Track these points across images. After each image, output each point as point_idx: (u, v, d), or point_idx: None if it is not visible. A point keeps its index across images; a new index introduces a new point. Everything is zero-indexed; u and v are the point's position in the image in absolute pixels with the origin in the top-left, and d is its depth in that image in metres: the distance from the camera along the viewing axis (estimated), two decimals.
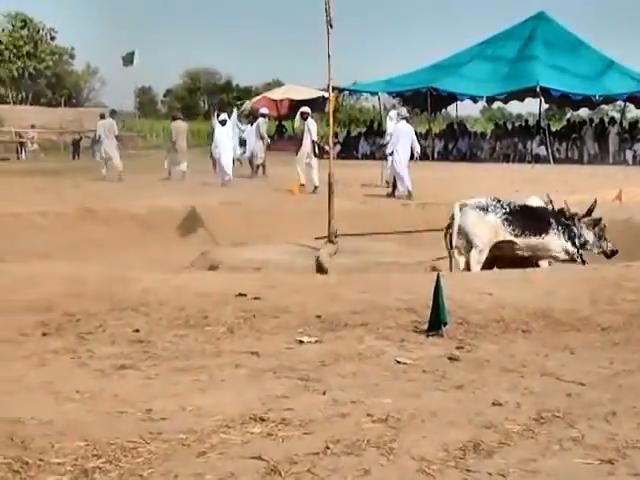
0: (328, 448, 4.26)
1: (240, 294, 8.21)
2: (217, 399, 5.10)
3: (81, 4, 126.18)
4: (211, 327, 7.06)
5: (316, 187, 23.63)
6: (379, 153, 45.19)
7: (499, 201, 12.44)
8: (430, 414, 4.82)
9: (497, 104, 53.89)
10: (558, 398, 5.19)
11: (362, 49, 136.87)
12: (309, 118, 25.69)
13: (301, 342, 6.59)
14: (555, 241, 12.31)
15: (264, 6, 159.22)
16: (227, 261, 13.20)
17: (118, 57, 51.78)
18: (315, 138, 24.86)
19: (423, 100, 44.90)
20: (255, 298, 8.08)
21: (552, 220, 12.49)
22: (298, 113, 28.96)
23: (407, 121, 24.45)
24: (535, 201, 13.12)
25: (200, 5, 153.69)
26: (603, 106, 53.70)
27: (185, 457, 4.15)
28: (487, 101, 48.38)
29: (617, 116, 53.87)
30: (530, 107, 59.40)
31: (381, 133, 47.75)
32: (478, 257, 11.93)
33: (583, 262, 12.14)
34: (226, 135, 27.95)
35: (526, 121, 51.20)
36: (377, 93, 50.06)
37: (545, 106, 46.34)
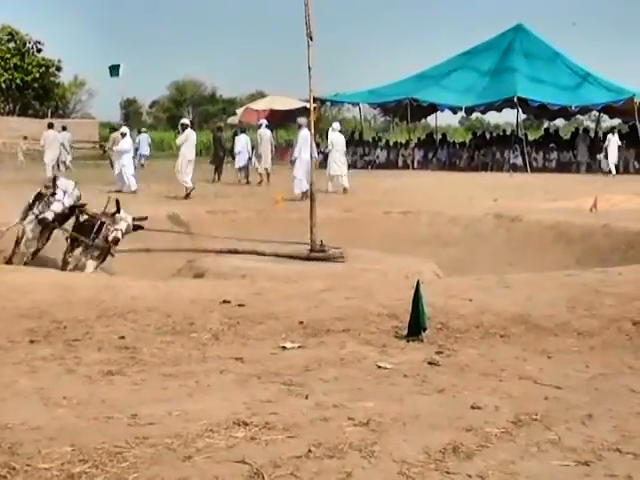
0: (311, 451, 4.26)
1: (225, 301, 8.20)
2: (203, 404, 5.09)
3: (67, 17, 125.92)
4: (197, 334, 7.06)
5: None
6: (361, 162, 45.49)
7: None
8: (411, 417, 4.83)
9: (476, 114, 53.93)
10: (536, 401, 5.21)
11: (344, 61, 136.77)
12: (303, 128, 25.83)
13: (285, 348, 6.59)
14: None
15: (248, 19, 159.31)
16: (213, 269, 13.17)
17: (104, 69, 51.78)
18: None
19: (404, 110, 44.97)
20: (240, 305, 8.08)
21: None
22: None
23: (340, 132, 28.39)
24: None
25: (186, 18, 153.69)
26: (578, 116, 53.88)
27: (171, 461, 4.14)
28: (466, 111, 48.47)
29: (592, 126, 54.20)
30: (508, 117, 59.67)
31: (362, 143, 47.99)
32: None
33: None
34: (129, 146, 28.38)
35: (504, 131, 51.32)
36: (358, 104, 50.15)
37: (523, 116, 46.45)
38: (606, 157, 37.69)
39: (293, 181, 24.86)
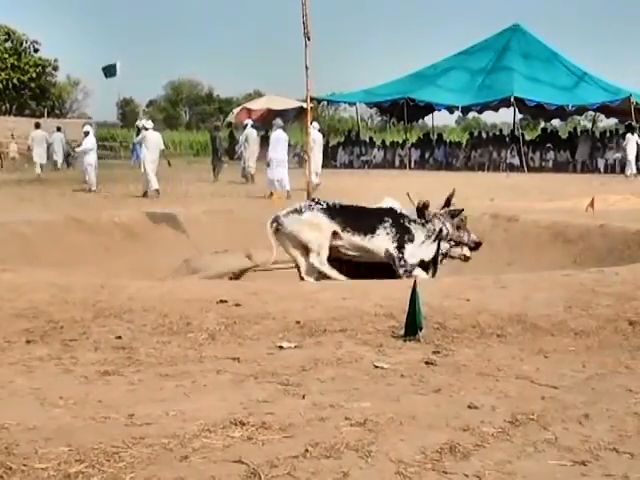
0: (308, 451, 4.26)
1: (222, 301, 8.20)
2: (200, 404, 5.09)
3: (63, 17, 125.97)
4: (194, 333, 7.05)
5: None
6: (358, 162, 45.49)
7: (317, 201, 11.87)
8: (408, 417, 4.83)
9: (472, 114, 53.96)
10: (533, 401, 5.21)
11: (341, 60, 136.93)
12: (277, 130, 26.94)
13: (281, 348, 6.59)
14: (381, 241, 11.52)
15: (246, 19, 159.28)
16: (209, 268, 13.16)
17: (100, 69, 51.82)
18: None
19: (400, 110, 44.96)
20: (236, 305, 8.07)
21: (385, 219, 11.65)
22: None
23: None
24: (389, 203, 12.36)
25: (182, 17, 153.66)
26: (575, 116, 53.89)
27: (168, 461, 4.13)
28: (462, 111, 48.49)
29: (588, 125, 54.26)
30: (505, 117, 59.69)
31: (359, 143, 47.99)
32: (318, 259, 11.43)
33: (406, 271, 11.39)
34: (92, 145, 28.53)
35: (500, 131, 51.34)
36: (355, 103, 50.15)
37: (519, 116, 46.49)
38: (623, 157, 37.41)
39: (268, 182, 25.78)
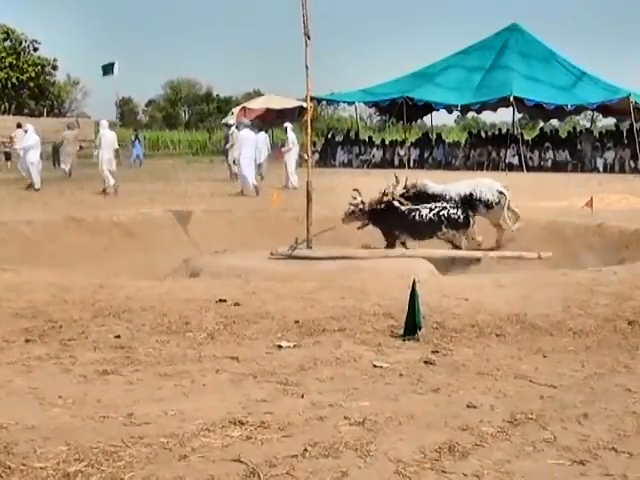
0: (306, 451, 4.26)
1: (221, 300, 8.20)
2: (199, 403, 5.09)
3: (62, 16, 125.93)
4: (193, 333, 7.06)
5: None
6: (357, 161, 45.49)
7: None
8: (407, 417, 4.83)
9: (471, 114, 53.92)
10: (531, 400, 5.21)
11: (340, 59, 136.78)
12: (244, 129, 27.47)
13: (280, 347, 6.59)
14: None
15: (245, 17, 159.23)
16: (208, 268, 13.16)
17: (99, 68, 51.88)
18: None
19: (399, 110, 44.93)
20: (236, 304, 8.08)
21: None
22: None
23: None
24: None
25: (181, 17, 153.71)
26: (573, 115, 53.86)
27: (166, 460, 4.14)
28: (461, 110, 48.46)
29: (587, 125, 54.25)
30: (504, 116, 59.63)
31: (358, 142, 47.97)
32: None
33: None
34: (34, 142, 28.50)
35: (499, 130, 51.27)
36: (354, 103, 50.10)
37: (518, 115, 46.47)
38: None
39: (239, 179, 26.08)
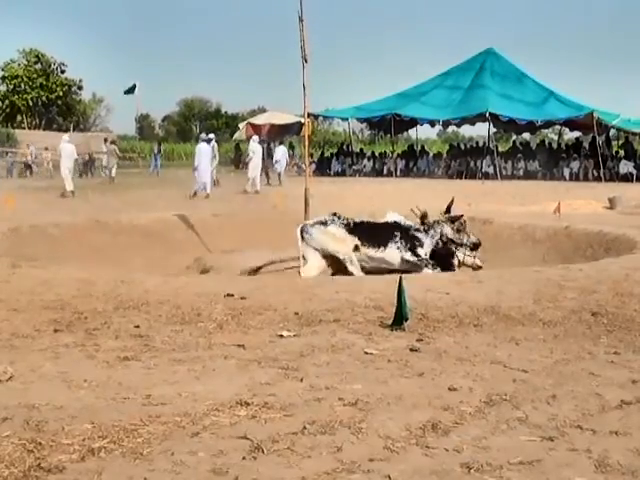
0: (305, 428, 4.26)
1: (229, 294, 8.19)
2: (209, 386, 5.09)
3: (87, 40, 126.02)
4: (204, 323, 7.05)
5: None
6: (349, 171, 45.44)
7: (337, 216, 11.89)
8: (395, 398, 4.83)
9: (452, 128, 53.94)
10: (505, 383, 5.21)
11: (335, 79, 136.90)
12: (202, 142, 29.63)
13: (282, 336, 6.59)
14: (395, 254, 11.61)
15: (252, 42, 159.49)
16: (218, 266, 13.16)
17: (121, 87, 52.99)
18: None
19: (388, 124, 44.94)
20: (242, 298, 8.06)
21: (396, 233, 11.75)
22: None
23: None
24: (393, 217, 12.24)
25: (195, 42, 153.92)
26: (543, 130, 53.86)
27: (181, 437, 4.13)
28: (443, 125, 48.50)
29: (555, 138, 54.28)
30: (481, 130, 59.55)
31: (351, 154, 47.98)
32: (353, 267, 11.48)
33: (434, 267, 11.51)
34: None
35: (477, 143, 51.23)
36: (347, 118, 50.06)
37: (494, 129, 46.44)
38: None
39: (196, 185, 27.31)
